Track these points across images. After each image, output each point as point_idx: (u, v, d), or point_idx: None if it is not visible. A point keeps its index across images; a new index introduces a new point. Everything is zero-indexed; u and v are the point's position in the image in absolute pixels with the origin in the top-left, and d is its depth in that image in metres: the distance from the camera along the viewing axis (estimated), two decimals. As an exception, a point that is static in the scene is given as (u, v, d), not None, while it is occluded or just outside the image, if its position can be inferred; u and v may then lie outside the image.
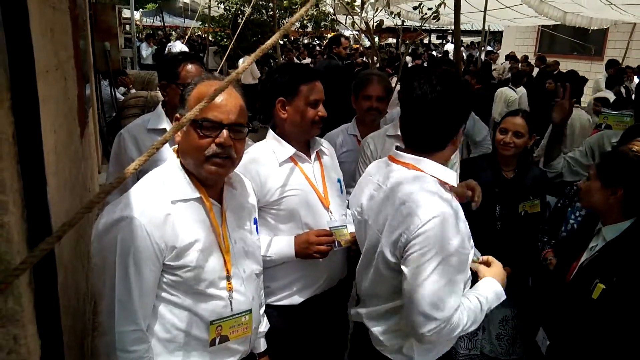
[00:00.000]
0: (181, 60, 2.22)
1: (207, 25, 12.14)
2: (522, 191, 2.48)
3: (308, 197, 1.88)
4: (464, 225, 1.41)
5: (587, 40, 13.82)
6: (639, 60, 11.83)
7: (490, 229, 2.49)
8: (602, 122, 2.52)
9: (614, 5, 7.87)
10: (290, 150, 1.87)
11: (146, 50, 12.71)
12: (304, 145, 1.96)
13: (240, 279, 1.49)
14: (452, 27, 4.76)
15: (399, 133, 2.49)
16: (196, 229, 1.38)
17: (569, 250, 1.97)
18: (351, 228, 2.05)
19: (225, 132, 1.37)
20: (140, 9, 22.68)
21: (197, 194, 1.40)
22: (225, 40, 11.37)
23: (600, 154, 2.15)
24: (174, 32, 20.53)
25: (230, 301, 1.45)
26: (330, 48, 6.20)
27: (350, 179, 2.74)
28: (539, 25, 14.11)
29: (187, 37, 12.55)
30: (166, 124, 2.20)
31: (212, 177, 1.42)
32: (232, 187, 1.54)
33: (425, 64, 12.07)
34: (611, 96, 6.76)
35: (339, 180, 2.05)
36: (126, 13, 12.18)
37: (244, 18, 8.61)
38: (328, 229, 1.88)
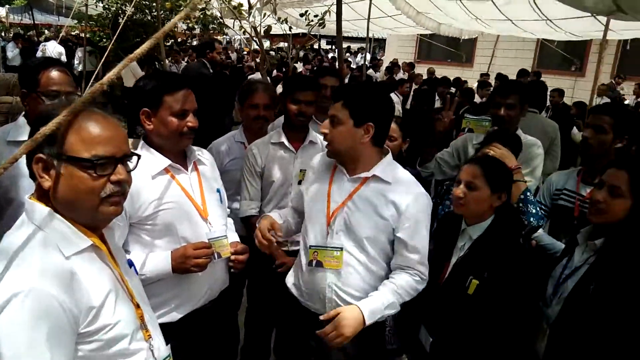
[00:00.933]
0: (42, 65, 2.00)
1: (84, 24, 11.28)
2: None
3: (185, 209, 1.82)
4: None
5: (459, 49, 15.13)
6: (503, 67, 13.20)
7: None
8: (465, 126, 2.79)
9: (479, 19, 8.70)
10: (163, 161, 1.79)
11: (12, 51, 11.50)
12: (179, 155, 1.89)
13: (150, 324, 1.34)
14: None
15: (283, 140, 2.59)
16: (103, 279, 1.20)
17: (440, 251, 2.12)
18: (232, 237, 2.03)
19: (120, 167, 1.20)
20: (7, 5, 20.44)
21: (88, 241, 1.19)
22: (104, 40, 10.65)
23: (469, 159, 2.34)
24: (46, 31, 18.77)
25: (152, 351, 1.31)
26: (203, 53, 6.03)
27: (239, 188, 2.72)
28: (418, 34, 15.15)
29: (60, 36, 11.51)
30: (27, 136, 1.99)
31: (109, 219, 1.25)
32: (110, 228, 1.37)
33: (314, 70, 12.35)
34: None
35: (218, 190, 2.01)
36: (-15, 10, 10.91)
37: (125, 18, 8.13)
38: (207, 240, 1.84)
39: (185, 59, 11.26)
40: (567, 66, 13.11)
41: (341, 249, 1.87)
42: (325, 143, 1.91)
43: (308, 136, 2.69)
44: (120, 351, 1.19)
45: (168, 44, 10.89)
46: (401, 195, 1.81)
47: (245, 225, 2.65)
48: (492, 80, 10.43)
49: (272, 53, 11.52)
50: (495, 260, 1.90)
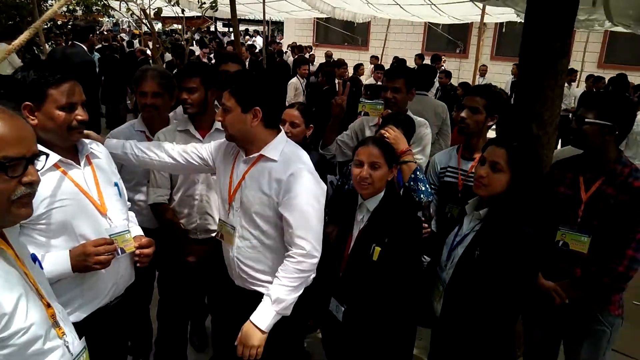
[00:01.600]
0: None
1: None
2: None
3: (80, 205, 1.73)
4: None
5: (354, 32, 15.59)
6: (396, 50, 13.87)
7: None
8: (361, 109, 2.93)
9: (371, 4, 9.04)
10: (53, 157, 1.69)
11: None
12: (70, 150, 1.79)
13: (61, 321, 1.30)
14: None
15: (189, 128, 2.54)
16: (13, 284, 1.14)
17: (342, 225, 2.25)
18: (135, 231, 1.99)
19: (31, 167, 1.13)
20: None
21: None
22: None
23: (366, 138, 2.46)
24: None
25: (67, 347, 1.28)
26: (84, 36, 5.65)
27: (142, 177, 2.62)
28: (315, 18, 15.34)
29: None
30: None
31: (18, 221, 1.18)
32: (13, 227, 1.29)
33: (212, 55, 12.03)
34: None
35: (116, 184, 1.94)
36: None
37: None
38: (108, 236, 1.78)
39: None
40: (453, 48, 14.06)
41: (234, 227, 2.04)
42: None
43: (215, 123, 2.63)
44: (35, 352, 1.17)
45: (47, 26, 9.98)
46: (283, 172, 1.92)
47: (155, 213, 2.58)
48: (388, 63, 10.88)
49: (164, 37, 10.98)
50: (393, 226, 2.07)
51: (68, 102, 1.67)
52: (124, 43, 14.74)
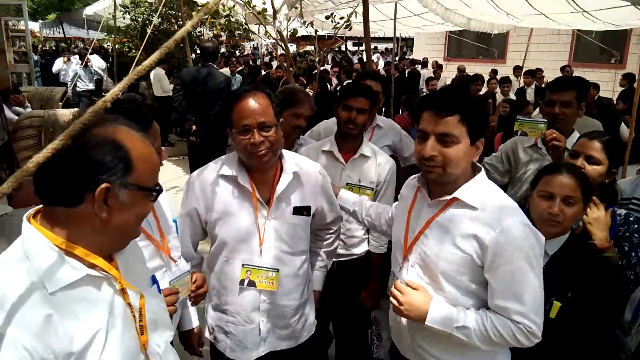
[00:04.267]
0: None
1: (113, 36, 11.47)
2: None
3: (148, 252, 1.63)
4: None
5: (490, 45, 14.73)
6: (537, 62, 12.77)
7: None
8: (518, 129, 2.54)
9: (511, 15, 8.41)
10: None
11: (60, 65, 11.67)
12: None
13: (157, 357, 1.23)
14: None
15: (333, 149, 2.46)
16: (95, 317, 1.06)
17: None
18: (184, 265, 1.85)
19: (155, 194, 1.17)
20: (40, 20, 21.12)
21: (84, 271, 1.05)
22: (134, 50, 10.81)
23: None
24: (80, 44, 19.28)
25: None
26: (214, 57, 5.94)
27: None
28: (446, 31, 14.83)
29: (91, 48, 11.75)
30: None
31: (128, 243, 1.18)
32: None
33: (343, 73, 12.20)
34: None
35: (174, 221, 1.87)
36: (20, 24, 11.20)
37: (152, 28, 8.21)
38: (169, 283, 1.65)
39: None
40: (606, 58, 12.54)
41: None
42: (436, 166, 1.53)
43: (360, 148, 2.54)
44: None
45: (197, 52, 10.98)
46: (489, 225, 1.48)
47: None
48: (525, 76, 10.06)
49: (299, 58, 11.45)
50: (579, 277, 1.69)
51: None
52: (263, 64, 15.71)
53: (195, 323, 2.03)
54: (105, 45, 17.06)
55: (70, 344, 1.01)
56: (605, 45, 12.13)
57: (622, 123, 5.77)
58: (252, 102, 1.79)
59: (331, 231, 2.24)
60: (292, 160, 1.96)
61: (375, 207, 2.07)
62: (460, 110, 1.48)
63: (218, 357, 2.04)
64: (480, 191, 1.53)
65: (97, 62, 11.23)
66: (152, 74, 9.08)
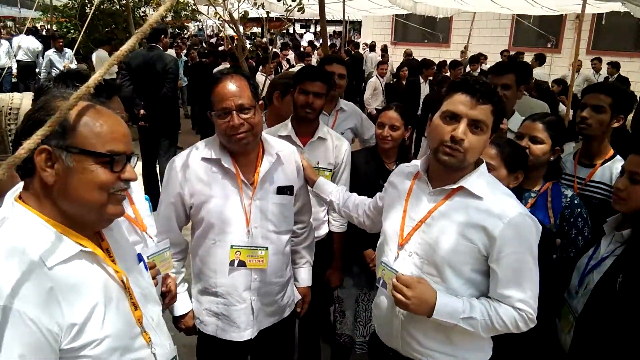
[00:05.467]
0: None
1: (49, 15, 10.83)
2: None
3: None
4: None
5: (435, 29, 15.09)
6: (480, 45, 13.24)
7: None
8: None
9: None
10: None
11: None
12: None
13: (152, 330, 1.26)
14: (314, 17, 4.83)
15: (290, 134, 2.47)
16: (92, 290, 1.11)
17: None
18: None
19: (129, 165, 1.16)
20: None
21: (77, 247, 1.11)
22: (72, 32, 10.26)
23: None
24: (9, 23, 18.06)
25: (154, 353, 1.24)
26: (157, 38, 5.75)
27: None
28: (393, 15, 15.04)
29: (25, 29, 11.04)
30: None
31: (111, 219, 1.20)
32: (109, 227, 1.27)
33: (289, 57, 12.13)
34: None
35: (147, 198, 1.88)
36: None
37: (93, 8, 7.82)
38: (146, 257, 1.67)
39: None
40: (543, 43, 13.18)
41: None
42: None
43: (317, 131, 2.57)
44: None
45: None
46: (495, 215, 1.49)
47: None
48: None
49: (248, 41, 11.28)
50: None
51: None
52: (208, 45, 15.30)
53: (190, 306, 2.05)
54: (39, 26, 16.05)
55: (72, 315, 1.05)
56: (543, 30, 12.73)
57: (560, 104, 6.16)
58: (231, 85, 1.79)
59: (304, 225, 2.24)
60: (272, 143, 2.00)
61: (353, 198, 2.08)
62: (494, 101, 1.48)
63: (206, 341, 2.06)
64: (484, 182, 1.54)
65: (29, 44, 10.50)
66: (94, 56, 8.68)
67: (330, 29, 23.81)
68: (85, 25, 6.87)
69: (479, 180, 1.53)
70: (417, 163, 1.71)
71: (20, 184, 1.14)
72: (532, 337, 1.82)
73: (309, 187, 2.17)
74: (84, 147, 1.07)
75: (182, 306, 2.02)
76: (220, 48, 11.52)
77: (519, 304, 1.49)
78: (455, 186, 1.54)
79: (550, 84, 7.54)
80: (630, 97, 2.45)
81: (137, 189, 1.84)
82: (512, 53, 11.91)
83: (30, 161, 1.05)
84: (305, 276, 2.27)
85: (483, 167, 1.58)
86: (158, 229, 1.92)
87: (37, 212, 1.09)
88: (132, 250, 1.38)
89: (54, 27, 10.47)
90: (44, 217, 1.09)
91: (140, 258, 1.38)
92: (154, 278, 1.56)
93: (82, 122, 1.08)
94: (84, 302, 1.09)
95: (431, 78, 7.55)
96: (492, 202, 1.50)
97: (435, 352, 1.62)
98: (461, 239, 1.51)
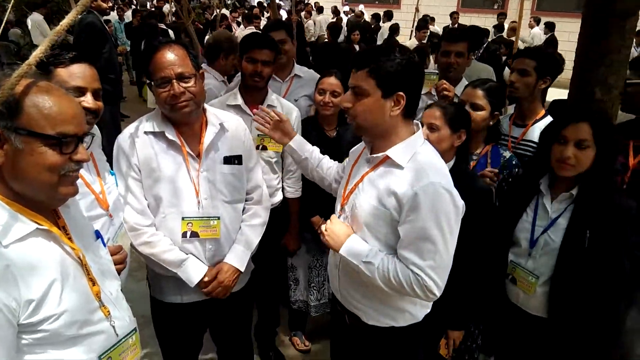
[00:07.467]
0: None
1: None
2: (345, 147, 2.59)
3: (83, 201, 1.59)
4: None
5: (386, -11, 14.99)
6: (430, 7, 13.29)
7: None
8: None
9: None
10: None
11: None
12: None
13: (111, 304, 1.29)
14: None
15: (239, 103, 2.46)
16: (48, 268, 1.13)
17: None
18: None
19: (81, 146, 1.15)
20: None
21: (32, 225, 1.12)
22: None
23: None
24: None
25: (113, 326, 1.27)
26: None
27: None
28: (344, -25, 14.79)
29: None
30: None
31: (65, 199, 1.19)
32: (65, 204, 1.28)
33: (240, 19, 11.78)
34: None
35: (112, 173, 1.87)
36: None
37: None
38: (112, 240, 1.70)
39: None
40: (490, 4, 13.40)
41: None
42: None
43: (266, 99, 2.57)
44: (71, 336, 1.17)
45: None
46: (408, 184, 1.55)
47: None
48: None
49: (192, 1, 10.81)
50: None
51: (75, 86, 1.58)
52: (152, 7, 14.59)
53: (204, 267, 1.98)
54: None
55: (29, 291, 1.08)
56: (490, -8, 12.93)
57: (506, 67, 6.33)
58: (169, 54, 1.77)
59: (251, 201, 2.15)
60: (215, 113, 1.99)
61: (326, 161, 2.07)
62: (370, 66, 1.53)
63: (162, 309, 2.09)
64: (411, 151, 1.59)
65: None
66: (28, 19, 8.14)
67: (279, -11, 23.17)
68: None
69: (405, 150, 1.60)
70: None
71: None
72: (479, 300, 2.01)
73: (286, 145, 2.05)
74: (32, 129, 1.07)
75: (196, 271, 1.95)
76: (166, 7, 11.02)
77: (414, 267, 1.54)
78: (381, 155, 1.62)
79: (499, 46, 7.73)
80: (554, 59, 2.61)
81: (105, 163, 1.83)
82: (461, 14, 12.07)
83: None
84: (232, 255, 2.04)
85: (414, 137, 1.62)
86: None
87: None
88: (90, 227, 1.38)
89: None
90: (5, 193, 1.10)
91: (98, 235, 1.39)
92: (122, 262, 1.58)
93: (30, 102, 1.07)
94: (41, 279, 1.11)
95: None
96: (410, 170, 1.56)
97: (366, 307, 1.74)
98: (378, 204, 1.60)
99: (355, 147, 1.90)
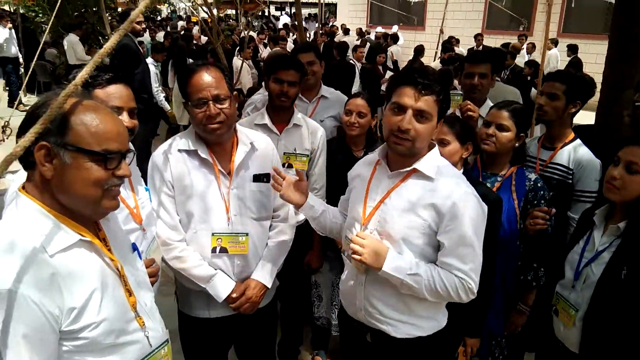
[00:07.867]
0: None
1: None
2: None
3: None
4: None
5: (410, 12, 15.14)
6: (455, 29, 13.35)
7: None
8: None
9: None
10: None
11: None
12: None
13: (145, 315, 1.35)
14: None
15: (266, 122, 2.53)
16: (90, 277, 1.19)
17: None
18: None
19: (124, 162, 1.22)
20: None
21: (76, 236, 1.19)
22: (40, 15, 9.96)
23: None
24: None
25: (147, 337, 1.33)
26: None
27: None
28: (369, -2, 15.02)
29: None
30: None
31: (107, 212, 1.26)
32: (105, 218, 1.35)
33: (267, 40, 12.03)
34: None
35: (147, 189, 1.92)
36: None
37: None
38: (145, 254, 1.74)
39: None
40: (515, 26, 13.37)
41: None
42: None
43: (293, 118, 2.62)
44: (109, 345, 1.22)
45: (109, 17, 10.34)
46: (443, 194, 1.63)
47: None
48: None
49: (222, 24, 11.11)
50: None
51: (112, 106, 1.64)
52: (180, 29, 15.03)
53: (232, 282, 2.02)
54: (5, 8, 15.47)
55: (71, 299, 1.13)
56: (515, 14, 12.91)
57: (533, 87, 6.29)
58: (206, 76, 1.85)
59: (278, 218, 2.18)
60: (246, 133, 2.05)
61: (334, 209, 2.06)
62: (436, 92, 1.61)
63: (190, 324, 2.13)
64: (435, 164, 1.69)
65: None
66: (65, 40, 8.48)
67: (305, 12, 23.66)
68: (56, 9, 6.69)
69: (431, 163, 1.68)
70: (377, 151, 1.84)
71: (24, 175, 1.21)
72: (530, 328, 1.99)
73: (297, 210, 2.00)
74: (80, 146, 1.13)
75: (224, 287, 1.99)
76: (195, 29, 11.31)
77: (458, 272, 1.63)
78: (409, 168, 1.68)
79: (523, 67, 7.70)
80: (585, 83, 2.57)
81: (139, 179, 1.89)
82: (486, 36, 12.09)
83: (32, 155, 1.11)
84: (259, 271, 2.07)
85: (435, 150, 1.72)
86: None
87: (39, 202, 1.16)
88: (127, 240, 1.44)
89: (21, 10, 10.12)
90: (45, 207, 1.17)
91: (134, 247, 1.44)
92: (155, 275, 1.67)
93: (79, 121, 1.14)
94: (83, 288, 1.16)
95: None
96: (441, 182, 1.65)
97: (395, 321, 1.75)
98: (414, 215, 1.65)
99: (355, 169, 1.93)
